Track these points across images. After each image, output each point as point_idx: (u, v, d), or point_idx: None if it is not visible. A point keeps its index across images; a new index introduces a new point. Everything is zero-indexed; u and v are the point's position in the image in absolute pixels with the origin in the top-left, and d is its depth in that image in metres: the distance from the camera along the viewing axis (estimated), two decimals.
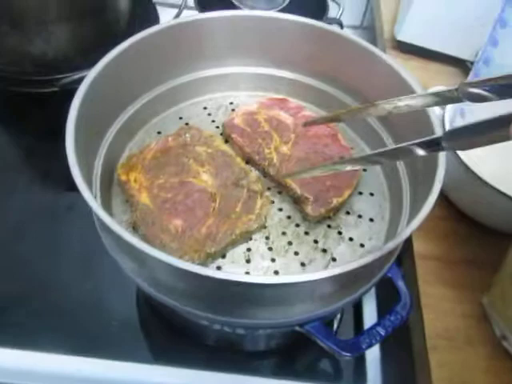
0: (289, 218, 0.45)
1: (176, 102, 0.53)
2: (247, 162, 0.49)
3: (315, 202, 0.44)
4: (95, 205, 0.34)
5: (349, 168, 0.38)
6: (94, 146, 0.44)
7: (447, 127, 0.52)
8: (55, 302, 0.53)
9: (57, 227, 0.59)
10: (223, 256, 0.42)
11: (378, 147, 0.50)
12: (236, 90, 0.55)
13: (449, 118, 0.53)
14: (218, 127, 0.52)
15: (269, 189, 0.47)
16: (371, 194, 0.48)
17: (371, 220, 0.46)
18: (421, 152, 0.32)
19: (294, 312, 0.37)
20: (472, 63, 0.69)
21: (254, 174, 0.47)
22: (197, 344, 0.52)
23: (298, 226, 0.45)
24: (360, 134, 0.53)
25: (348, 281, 0.37)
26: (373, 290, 0.55)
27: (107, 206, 0.44)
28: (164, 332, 0.53)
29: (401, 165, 0.48)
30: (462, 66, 0.73)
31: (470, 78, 0.64)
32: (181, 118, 0.53)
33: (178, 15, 0.74)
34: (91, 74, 0.42)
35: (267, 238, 0.43)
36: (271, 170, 0.47)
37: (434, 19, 0.71)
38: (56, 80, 0.66)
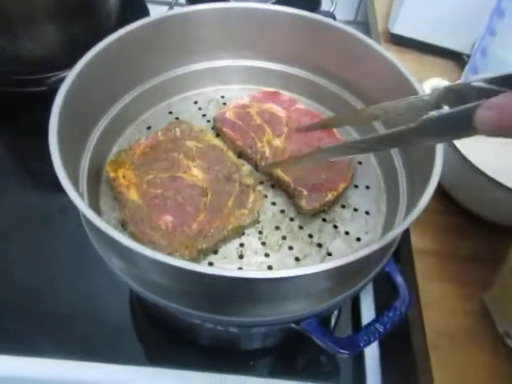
0: (282, 212, 0.44)
1: (166, 97, 0.52)
2: (239, 156, 0.47)
3: (309, 196, 0.43)
4: (80, 202, 0.32)
5: (335, 158, 0.37)
6: (80, 142, 0.43)
7: None
8: (47, 306, 0.52)
9: (48, 230, 0.58)
10: (215, 252, 0.41)
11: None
12: (227, 84, 0.54)
13: None
14: (208, 121, 0.51)
15: (261, 183, 0.46)
16: (367, 187, 0.47)
17: (367, 213, 0.45)
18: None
19: (288, 309, 0.36)
20: (468, 56, 0.68)
21: (246, 168, 0.46)
22: (192, 344, 0.51)
23: (292, 220, 0.43)
24: (354, 126, 0.52)
25: (344, 275, 0.35)
26: (370, 286, 0.53)
27: (95, 204, 0.43)
28: (158, 333, 0.52)
29: (396, 156, 0.46)
30: (457, 58, 0.73)
31: (467, 70, 0.63)
32: (171, 113, 0.51)
33: None
34: (74, 71, 0.41)
35: (260, 232, 0.42)
36: (264, 163, 0.46)
37: (428, 12, 0.70)
38: (45, 79, 0.65)
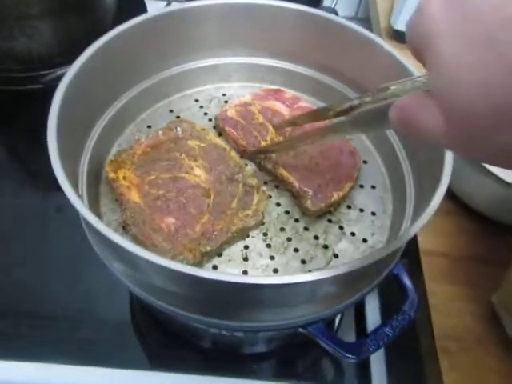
0: (287, 213, 0.43)
1: (166, 95, 0.51)
2: (242, 156, 0.46)
3: (315, 197, 0.42)
4: (80, 204, 0.31)
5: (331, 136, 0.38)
6: (79, 143, 0.42)
7: None
8: (46, 309, 0.51)
9: (46, 230, 0.57)
10: (219, 255, 0.40)
11: (379, 140, 0.49)
12: (228, 82, 0.53)
13: None
14: (210, 120, 0.50)
15: (265, 183, 0.45)
16: (373, 187, 0.46)
17: (373, 214, 0.44)
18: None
19: (295, 314, 0.35)
20: None
21: (250, 167, 0.45)
22: (194, 348, 0.50)
23: (297, 221, 0.42)
24: None
25: (353, 279, 0.34)
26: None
27: (95, 205, 0.42)
28: (159, 336, 0.51)
29: (402, 155, 0.46)
30: None
31: None
32: (171, 111, 0.50)
33: None
34: (73, 69, 0.40)
35: (265, 234, 0.41)
36: (268, 163, 0.45)
37: None
38: (41, 76, 0.64)
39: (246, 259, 0.40)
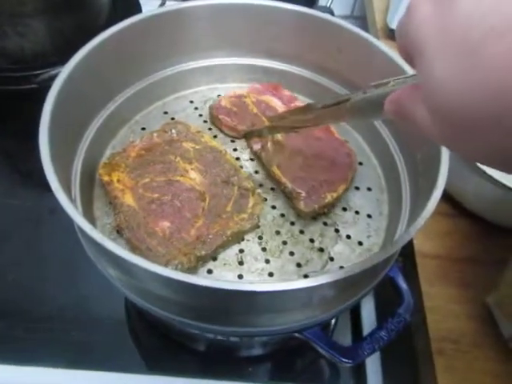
0: (283, 216, 0.43)
1: (160, 97, 0.50)
2: (245, 136, 0.47)
3: (308, 198, 0.42)
4: (72, 210, 0.31)
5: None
6: (72, 145, 0.42)
7: None
8: (40, 311, 0.50)
9: (40, 231, 0.57)
10: (214, 258, 0.39)
11: (375, 141, 0.48)
12: (223, 83, 0.53)
13: None
14: (205, 121, 0.49)
15: (261, 186, 0.44)
16: (368, 189, 0.46)
17: (369, 216, 0.44)
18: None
19: (291, 318, 0.34)
20: None
21: (245, 170, 0.44)
22: (190, 351, 0.50)
23: (292, 224, 0.42)
24: (355, 126, 0.50)
25: (349, 283, 0.34)
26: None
27: (89, 209, 0.41)
28: (155, 339, 0.51)
29: (398, 156, 0.45)
30: None
31: None
32: (166, 113, 0.50)
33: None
34: (66, 70, 0.39)
35: (260, 238, 0.41)
36: (264, 154, 0.45)
37: None
38: (34, 76, 0.63)
39: (241, 263, 0.39)
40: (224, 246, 0.40)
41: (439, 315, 0.44)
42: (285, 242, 0.41)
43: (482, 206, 0.49)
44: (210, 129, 0.49)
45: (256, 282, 0.38)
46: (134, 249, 0.38)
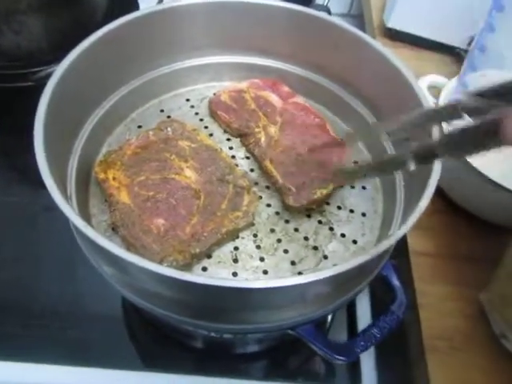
0: (277, 214, 0.43)
1: (156, 95, 0.50)
2: (239, 135, 0.48)
3: (298, 193, 0.42)
4: (68, 209, 0.31)
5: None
6: (67, 142, 0.42)
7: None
8: (36, 309, 0.50)
9: (35, 228, 0.57)
10: (209, 256, 0.40)
11: (370, 140, 0.48)
12: (220, 81, 0.53)
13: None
14: (201, 120, 0.50)
15: (256, 184, 0.45)
16: (363, 188, 0.46)
17: (363, 215, 0.44)
18: (412, 166, 0.31)
19: (284, 315, 0.35)
20: (465, 51, 0.67)
21: (241, 168, 0.45)
22: (186, 348, 0.50)
23: (287, 222, 0.42)
24: (350, 124, 0.51)
25: (342, 281, 0.35)
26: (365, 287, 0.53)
27: (84, 206, 0.41)
28: (152, 336, 0.51)
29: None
30: (454, 53, 0.71)
31: (464, 66, 0.62)
32: (162, 111, 0.50)
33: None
34: (61, 68, 0.39)
35: (255, 235, 0.41)
36: (257, 150, 0.46)
37: (424, 5, 0.68)
38: (31, 74, 0.63)
39: (235, 261, 0.39)
40: (219, 243, 0.40)
41: (432, 313, 0.44)
42: (279, 240, 0.41)
43: (477, 205, 0.50)
44: (205, 127, 0.49)
45: (250, 279, 0.38)
46: (129, 246, 0.38)
